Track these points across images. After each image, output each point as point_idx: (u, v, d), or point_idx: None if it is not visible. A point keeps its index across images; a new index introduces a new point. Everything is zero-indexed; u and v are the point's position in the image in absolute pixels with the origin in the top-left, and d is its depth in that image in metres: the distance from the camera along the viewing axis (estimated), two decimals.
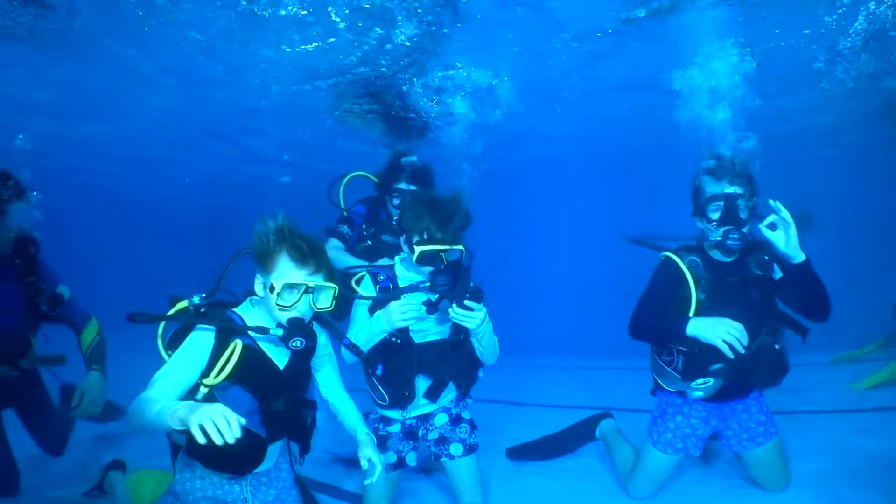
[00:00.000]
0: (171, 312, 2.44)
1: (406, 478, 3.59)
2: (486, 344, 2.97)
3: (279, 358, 2.49)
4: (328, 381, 2.79)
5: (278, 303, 2.32)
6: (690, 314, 2.89)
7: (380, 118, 7.70)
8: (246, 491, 2.57)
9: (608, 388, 6.53)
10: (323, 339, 2.67)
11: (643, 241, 3.29)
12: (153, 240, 22.27)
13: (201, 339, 2.35)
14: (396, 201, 4.03)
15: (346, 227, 4.18)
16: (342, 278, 2.97)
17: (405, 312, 2.79)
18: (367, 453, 2.53)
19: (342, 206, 4.32)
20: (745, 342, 2.67)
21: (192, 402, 2.05)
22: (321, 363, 2.75)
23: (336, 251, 3.99)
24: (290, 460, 2.75)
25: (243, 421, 1.90)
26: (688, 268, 2.97)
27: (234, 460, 2.35)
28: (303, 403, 2.59)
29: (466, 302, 2.73)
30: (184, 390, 2.26)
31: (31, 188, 3.44)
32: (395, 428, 3.16)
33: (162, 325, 2.46)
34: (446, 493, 3.43)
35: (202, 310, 2.45)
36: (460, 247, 2.87)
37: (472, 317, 2.75)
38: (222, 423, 1.83)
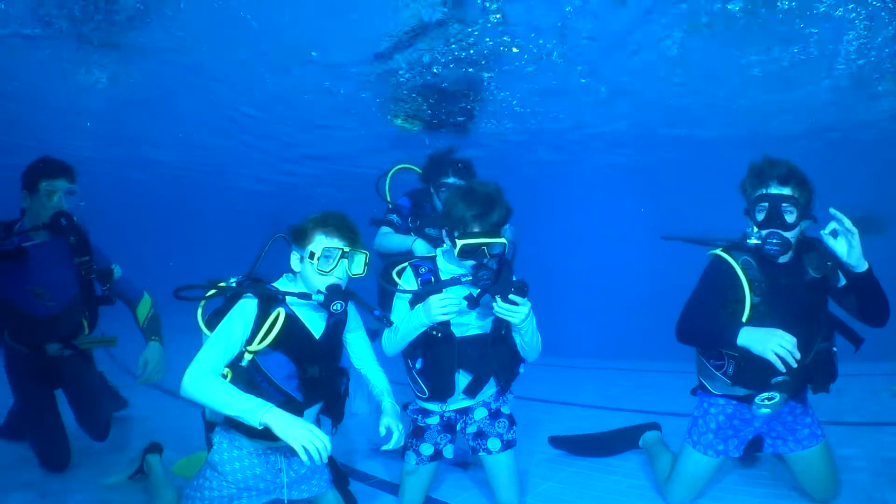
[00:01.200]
0: (212, 292, 2.63)
1: (443, 471, 3.61)
2: (528, 339, 2.94)
3: (315, 327, 2.68)
4: (359, 351, 2.95)
5: (319, 268, 2.50)
6: (743, 319, 2.74)
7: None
8: (280, 462, 2.74)
9: (650, 390, 6.46)
10: (352, 312, 2.84)
11: (682, 238, 3.12)
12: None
13: (246, 307, 2.53)
14: (443, 195, 4.01)
15: (395, 216, 4.23)
16: (383, 272, 3.03)
17: (445, 307, 2.79)
18: (387, 421, 2.66)
19: (388, 198, 4.38)
20: (798, 356, 2.52)
21: (278, 411, 2.32)
22: (353, 336, 2.91)
23: (388, 235, 4.08)
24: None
25: (329, 447, 2.27)
26: (741, 269, 2.80)
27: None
28: (337, 371, 2.77)
29: (511, 296, 2.71)
30: (230, 358, 2.47)
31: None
32: (434, 420, 3.16)
33: (202, 304, 2.64)
34: (482, 489, 3.42)
35: (243, 285, 2.62)
36: (502, 240, 2.84)
37: (517, 311, 2.73)
38: (320, 445, 2.23)
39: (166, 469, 3.27)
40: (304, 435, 2.24)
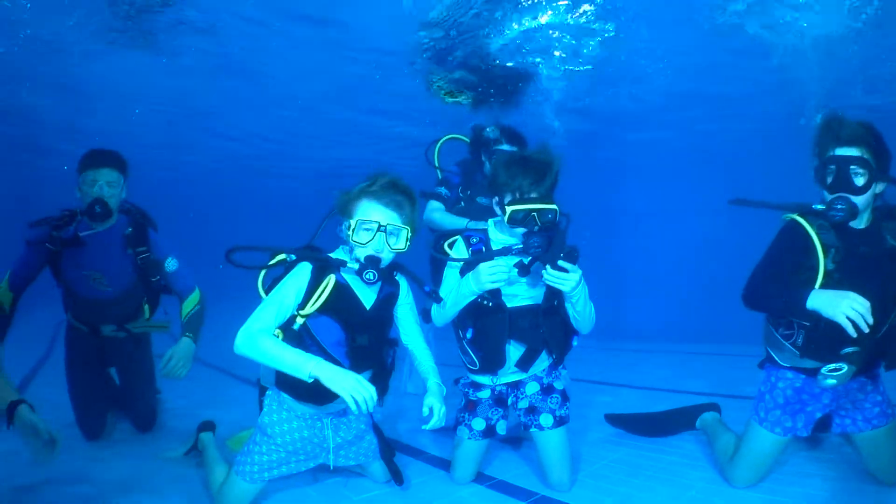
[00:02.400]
0: (272, 262, 2.75)
1: (495, 448, 3.57)
2: (580, 310, 2.86)
3: (366, 298, 2.74)
4: (408, 328, 2.96)
5: (354, 239, 2.55)
6: (816, 286, 2.57)
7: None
8: (327, 428, 2.85)
9: (706, 373, 6.29)
10: (404, 288, 2.89)
11: (750, 202, 2.93)
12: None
13: (301, 272, 2.63)
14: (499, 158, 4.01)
15: (443, 188, 4.22)
16: (434, 243, 3.02)
17: (494, 274, 2.73)
18: (430, 401, 2.72)
19: (437, 164, 4.40)
20: (871, 320, 2.33)
21: (325, 363, 2.43)
22: (403, 312, 2.93)
23: (438, 212, 4.06)
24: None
25: (375, 398, 2.36)
26: (816, 233, 2.63)
27: (319, 389, 2.50)
28: (385, 342, 2.81)
29: (561, 263, 2.63)
30: (282, 320, 2.57)
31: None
32: (485, 394, 3.12)
33: (263, 272, 2.76)
34: (534, 466, 3.35)
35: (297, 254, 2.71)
36: (553, 206, 2.77)
37: (567, 279, 2.65)
38: (367, 395, 2.34)
39: (219, 445, 3.34)
40: (352, 384, 2.34)
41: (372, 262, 2.57)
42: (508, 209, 2.75)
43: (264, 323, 2.52)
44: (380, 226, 2.56)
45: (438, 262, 3.25)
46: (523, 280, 2.88)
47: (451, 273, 3.01)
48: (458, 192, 4.23)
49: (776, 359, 2.91)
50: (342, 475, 3.20)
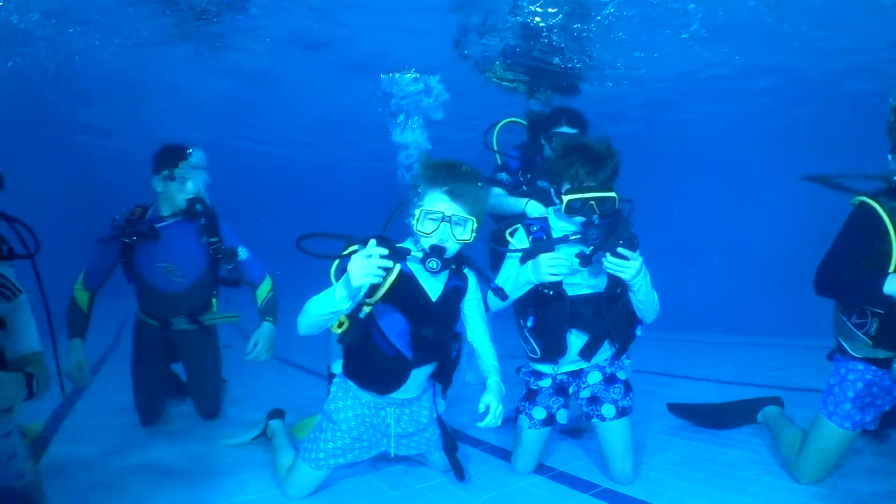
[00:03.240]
0: (346, 251, 2.73)
1: (556, 439, 3.57)
2: (642, 298, 2.82)
3: (432, 290, 2.74)
4: (474, 324, 2.93)
5: (419, 229, 2.54)
6: (890, 270, 2.48)
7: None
8: (390, 417, 2.88)
9: (769, 365, 6.15)
10: (473, 284, 2.86)
11: (824, 178, 2.82)
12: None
13: None
14: (557, 145, 3.96)
15: (504, 174, 4.18)
16: (494, 232, 3.02)
17: (554, 266, 2.72)
18: (487, 399, 2.62)
19: (496, 148, 4.35)
20: None
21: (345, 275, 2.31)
22: (470, 307, 2.90)
23: (499, 197, 4.02)
24: (434, 401, 3.00)
25: (383, 252, 2.23)
26: (889, 216, 2.52)
27: (381, 378, 2.60)
28: (450, 335, 2.81)
29: (620, 250, 2.60)
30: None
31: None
32: (546, 383, 3.11)
33: (336, 262, 2.72)
34: (595, 458, 3.35)
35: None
36: (611, 194, 2.73)
37: (628, 266, 2.62)
38: (372, 264, 2.21)
39: (287, 433, 3.43)
40: (356, 270, 2.23)
41: (436, 251, 2.57)
42: (565, 198, 2.73)
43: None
44: (444, 216, 2.56)
45: (498, 254, 3.24)
46: (585, 269, 2.85)
47: (510, 262, 3.00)
48: (518, 176, 4.18)
49: (847, 349, 2.81)
50: (403, 463, 3.25)
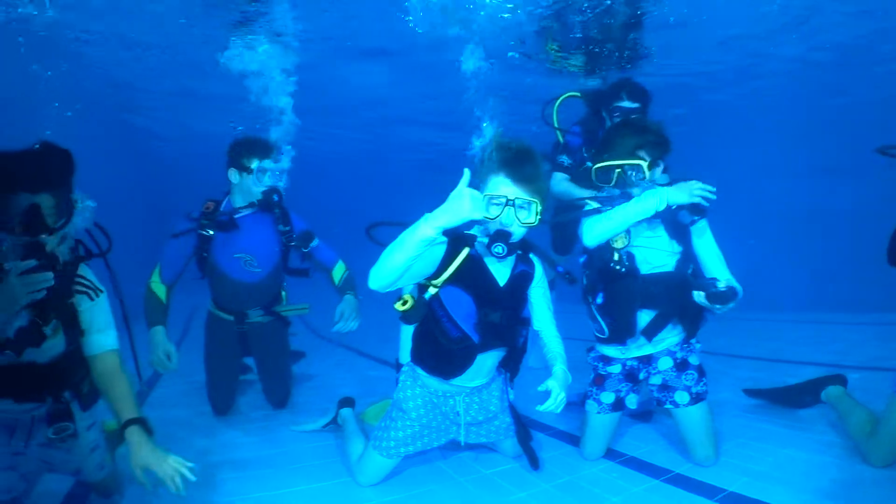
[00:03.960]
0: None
1: (625, 423, 3.51)
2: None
3: (500, 274, 2.72)
4: (540, 311, 2.90)
5: (484, 215, 2.44)
6: None
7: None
8: (459, 405, 2.86)
9: (841, 343, 5.91)
10: (539, 270, 2.83)
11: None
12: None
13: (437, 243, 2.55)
14: (618, 120, 3.86)
15: (564, 156, 4.11)
16: (556, 210, 2.97)
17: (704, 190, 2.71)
18: (550, 384, 2.60)
19: (556, 125, 4.27)
20: None
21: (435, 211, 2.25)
22: (536, 294, 2.87)
23: (563, 184, 3.96)
24: (504, 389, 2.98)
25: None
26: None
27: (448, 361, 2.61)
28: (518, 321, 2.77)
29: (716, 305, 2.61)
30: (413, 279, 2.56)
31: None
32: (616, 368, 3.06)
33: None
34: (667, 441, 3.30)
35: None
36: (639, 161, 2.77)
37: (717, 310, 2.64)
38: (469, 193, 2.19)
39: (358, 420, 3.47)
40: (453, 198, 2.22)
41: (501, 235, 2.53)
42: (593, 167, 2.75)
43: None
44: (508, 200, 2.52)
45: (563, 229, 3.21)
46: (655, 242, 2.85)
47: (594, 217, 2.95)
48: (582, 152, 4.10)
49: None
50: (472, 450, 3.25)
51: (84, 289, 2.29)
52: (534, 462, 2.92)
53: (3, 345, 2.08)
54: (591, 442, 3.09)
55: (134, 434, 2.10)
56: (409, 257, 2.28)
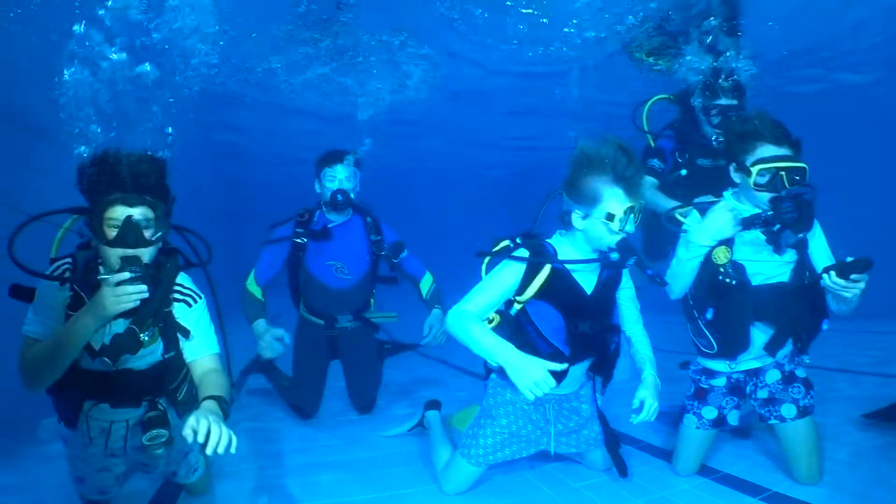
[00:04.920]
0: (496, 248, 2.77)
1: (719, 438, 3.35)
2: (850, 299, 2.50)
3: (587, 283, 2.65)
4: (627, 313, 2.86)
5: (622, 228, 2.44)
6: None
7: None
8: (549, 413, 2.84)
9: None
10: (625, 273, 2.80)
11: None
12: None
13: (517, 259, 2.58)
14: (716, 119, 3.73)
15: (656, 160, 3.96)
16: (666, 215, 2.87)
17: (735, 211, 2.55)
18: (643, 395, 2.63)
19: (646, 128, 4.12)
20: None
21: (515, 352, 2.34)
22: (623, 297, 2.84)
23: (650, 191, 3.81)
24: (594, 396, 2.94)
25: (553, 383, 2.25)
26: None
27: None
28: (608, 328, 2.71)
29: (853, 276, 2.32)
30: (495, 305, 2.59)
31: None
32: (720, 382, 2.90)
33: (487, 259, 2.80)
34: (764, 458, 3.14)
35: (518, 241, 2.70)
36: (803, 164, 2.51)
37: (853, 288, 2.35)
38: (539, 388, 2.23)
39: (444, 425, 3.44)
40: (529, 378, 2.25)
41: (626, 247, 2.48)
42: (754, 169, 2.53)
43: (475, 305, 2.54)
44: (630, 208, 2.46)
45: (657, 234, 3.11)
46: (766, 254, 2.66)
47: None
48: (676, 157, 3.95)
49: None
50: (559, 461, 3.16)
51: (182, 297, 2.33)
52: (622, 470, 2.87)
53: (99, 351, 2.13)
54: (685, 457, 2.97)
55: (207, 402, 2.07)
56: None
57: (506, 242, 2.73)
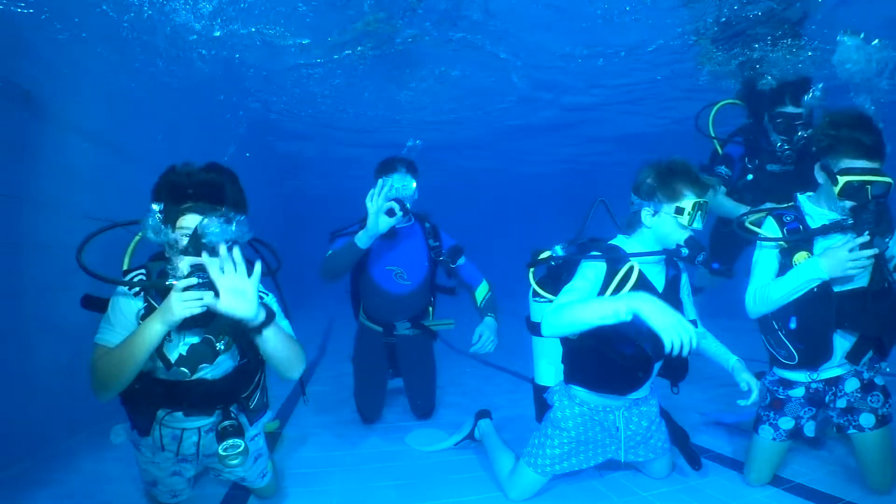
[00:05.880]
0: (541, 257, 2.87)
1: (792, 447, 3.26)
2: None
3: (657, 281, 2.71)
4: (689, 312, 2.87)
5: (694, 226, 2.56)
6: None
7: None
8: (619, 420, 2.82)
9: None
10: (682, 266, 2.84)
11: None
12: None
13: (597, 263, 2.62)
14: (782, 127, 3.65)
15: (723, 167, 3.88)
16: (737, 222, 2.82)
17: (859, 260, 2.43)
18: (745, 377, 2.66)
19: (712, 134, 4.04)
20: None
21: (639, 294, 2.34)
22: (684, 293, 2.86)
23: (721, 196, 3.76)
24: (658, 402, 2.94)
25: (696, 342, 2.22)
26: None
27: (622, 378, 2.59)
28: None
29: None
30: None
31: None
32: (798, 392, 2.81)
33: (532, 269, 2.85)
34: (836, 466, 3.09)
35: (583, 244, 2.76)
36: (889, 179, 2.43)
37: None
38: (686, 338, 2.18)
39: (498, 433, 3.42)
40: (672, 322, 2.20)
41: (695, 243, 2.55)
42: (842, 179, 2.46)
43: (569, 299, 2.53)
44: (698, 203, 2.54)
45: (725, 240, 3.05)
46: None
47: (766, 255, 2.75)
48: (745, 162, 3.86)
49: None
50: (624, 470, 3.12)
51: None
52: (695, 462, 2.86)
53: (176, 362, 2.16)
54: (758, 468, 2.89)
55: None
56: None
57: (547, 253, 2.79)
